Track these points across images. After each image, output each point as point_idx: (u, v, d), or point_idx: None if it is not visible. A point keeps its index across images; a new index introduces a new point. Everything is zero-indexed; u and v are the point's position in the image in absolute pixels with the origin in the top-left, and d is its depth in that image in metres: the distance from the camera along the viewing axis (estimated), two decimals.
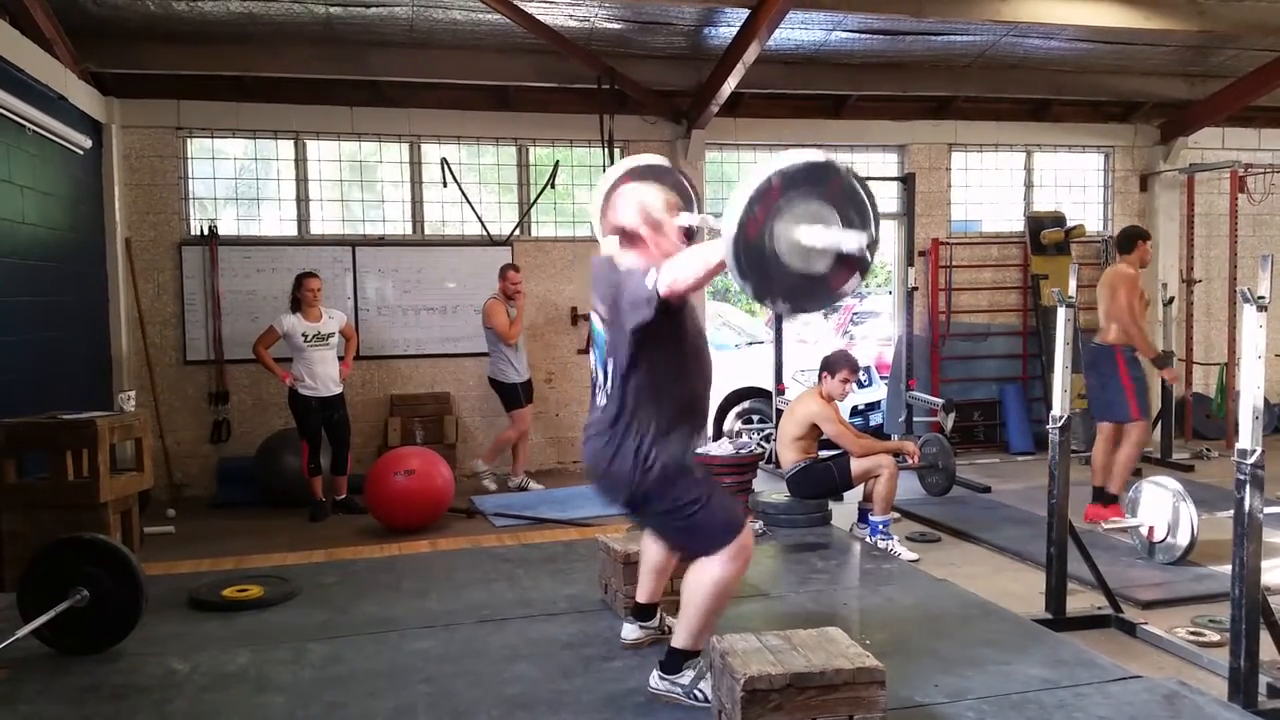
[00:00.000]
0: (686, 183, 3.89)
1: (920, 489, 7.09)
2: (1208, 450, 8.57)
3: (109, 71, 7.20)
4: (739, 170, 8.95)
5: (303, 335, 6.60)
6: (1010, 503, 6.73)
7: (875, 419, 9.25)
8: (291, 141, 7.87)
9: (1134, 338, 6.01)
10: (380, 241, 8.02)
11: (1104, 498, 6.08)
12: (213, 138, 7.79)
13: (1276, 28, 7.26)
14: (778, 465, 6.24)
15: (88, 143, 6.69)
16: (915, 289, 8.68)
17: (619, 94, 7.84)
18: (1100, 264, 9.31)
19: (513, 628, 4.05)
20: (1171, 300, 8.93)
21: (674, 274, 2.85)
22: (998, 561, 5.48)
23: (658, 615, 3.77)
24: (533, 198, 8.28)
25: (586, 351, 8.31)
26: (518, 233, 8.27)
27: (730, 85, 7.45)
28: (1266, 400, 3.74)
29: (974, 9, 6.88)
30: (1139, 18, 6.97)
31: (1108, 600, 4.37)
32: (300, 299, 6.67)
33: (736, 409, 8.58)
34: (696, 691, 3.19)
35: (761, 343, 9.35)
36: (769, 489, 6.39)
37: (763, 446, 7.80)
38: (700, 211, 3.87)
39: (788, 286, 2.61)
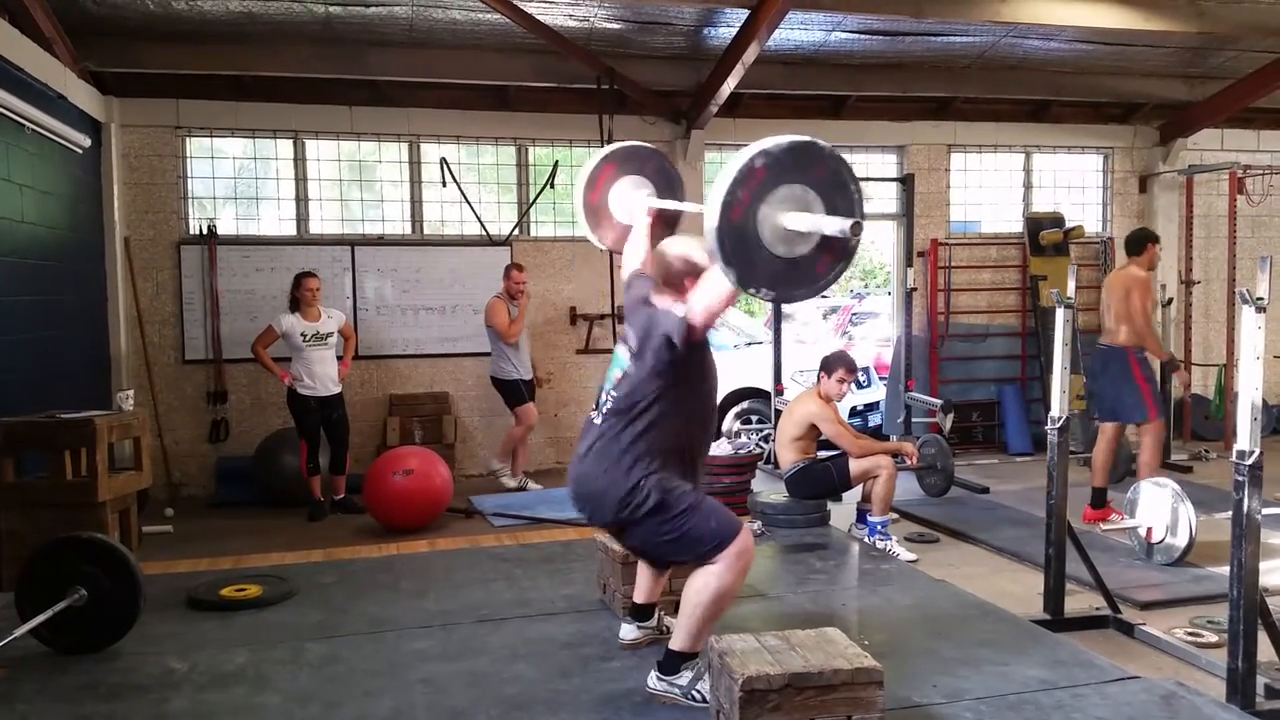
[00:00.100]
0: (669, 167, 3.91)
1: (919, 489, 7.10)
2: (1206, 452, 8.58)
3: (108, 70, 7.19)
4: None
5: (301, 335, 6.60)
6: (1008, 503, 6.73)
7: (874, 419, 9.25)
8: (291, 141, 7.87)
9: (1148, 341, 6.03)
10: (379, 241, 8.02)
11: (1100, 499, 6.09)
12: (212, 137, 7.79)
13: (1276, 29, 7.27)
14: (776, 466, 6.24)
15: (87, 142, 6.69)
16: (914, 290, 8.70)
17: (618, 94, 7.84)
18: (1099, 265, 9.34)
19: (511, 627, 4.05)
20: (1170, 301, 8.93)
21: (701, 300, 2.88)
22: (996, 562, 5.48)
23: (655, 615, 3.77)
24: (532, 198, 8.28)
25: (586, 351, 8.36)
26: (517, 232, 8.27)
27: (730, 85, 7.45)
28: (1265, 401, 3.74)
29: (973, 10, 6.88)
30: (1138, 19, 6.97)
31: (1106, 601, 4.37)
32: (299, 298, 6.66)
33: (735, 409, 8.57)
34: (694, 692, 3.19)
35: (760, 343, 9.35)
36: (767, 489, 6.40)
37: (761, 447, 7.80)
38: (683, 196, 3.89)
39: (772, 272, 2.60)
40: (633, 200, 3.81)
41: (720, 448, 6.73)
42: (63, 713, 3.29)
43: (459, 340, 8.08)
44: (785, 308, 8.59)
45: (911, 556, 5.44)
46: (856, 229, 2.45)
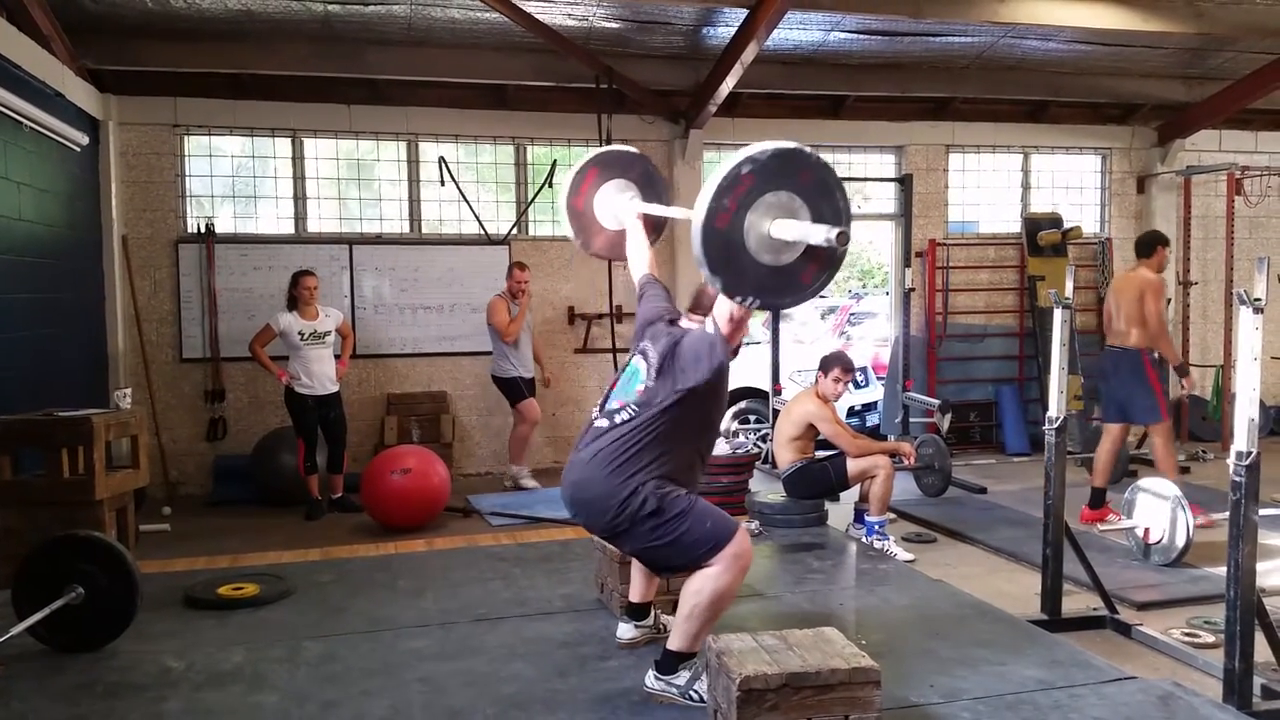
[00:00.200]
0: (654, 171, 3.92)
1: (916, 489, 7.10)
2: (1204, 452, 8.58)
3: (106, 68, 7.18)
4: None
5: (299, 333, 6.59)
6: (1006, 504, 6.74)
7: (872, 419, 9.26)
8: (289, 139, 7.86)
9: (1163, 345, 6.04)
10: (377, 240, 8.02)
11: (1099, 500, 6.10)
12: (210, 135, 7.78)
13: (1274, 30, 7.27)
14: (774, 465, 6.24)
15: (85, 139, 6.68)
16: (912, 290, 8.70)
17: (617, 93, 7.84)
18: (1097, 265, 9.34)
19: (508, 627, 4.05)
20: (1168, 302, 8.93)
21: (723, 311, 2.91)
22: (993, 562, 5.48)
23: (652, 614, 3.77)
24: (530, 197, 8.28)
25: (584, 351, 8.35)
26: (515, 232, 8.26)
27: (728, 85, 7.45)
28: (1262, 402, 3.75)
29: (972, 10, 6.88)
30: (1137, 20, 6.98)
31: (1103, 601, 4.38)
32: (297, 297, 6.65)
33: (733, 409, 8.58)
34: (692, 692, 3.19)
35: (758, 343, 9.35)
36: (765, 489, 6.40)
37: (759, 446, 7.80)
38: (669, 203, 3.91)
39: (759, 280, 2.60)
40: (619, 205, 3.81)
41: (718, 447, 6.72)
42: (59, 711, 3.29)
43: (457, 339, 8.08)
44: None
45: (909, 556, 5.44)
46: (842, 238, 2.45)
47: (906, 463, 6.31)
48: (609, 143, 7.85)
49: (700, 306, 3.34)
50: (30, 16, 5.90)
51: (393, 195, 8.15)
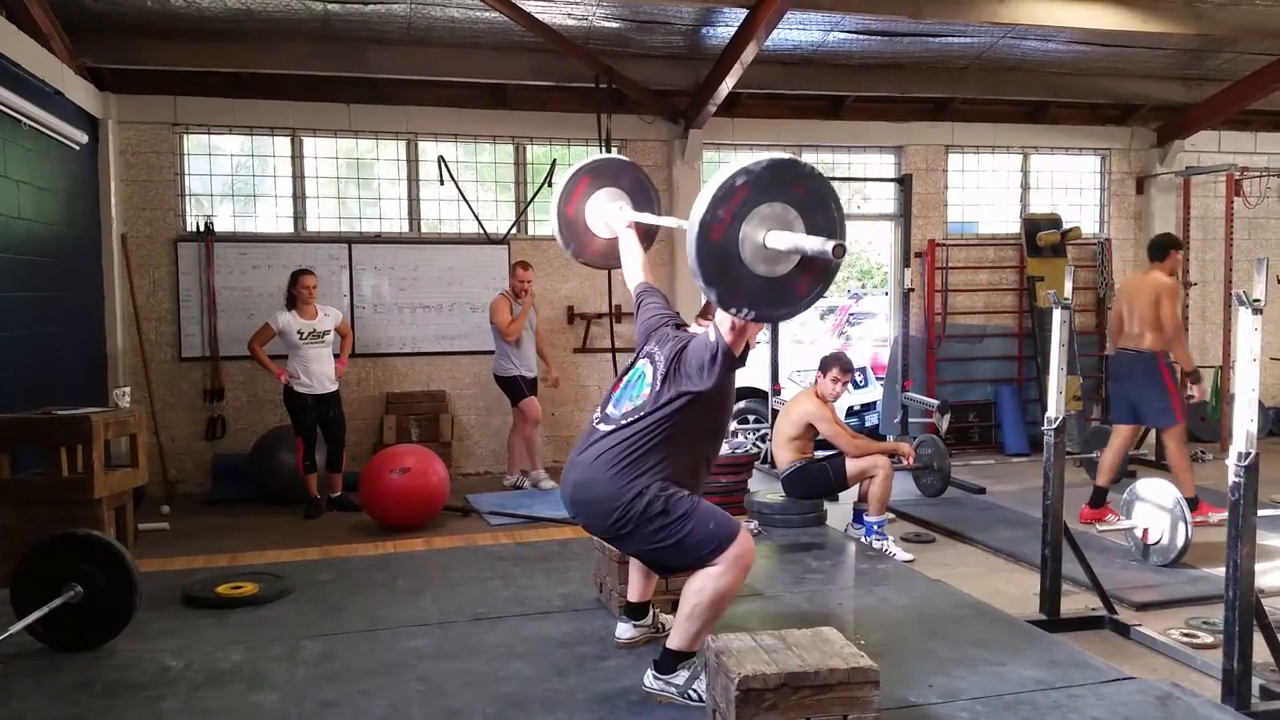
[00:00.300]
0: (645, 179, 3.93)
1: (915, 490, 7.10)
2: (1202, 453, 8.58)
3: (106, 67, 7.18)
4: None
5: (298, 332, 6.59)
6: (1005, 504, 6.74)
7: (871, 420, 9.26)
8: (288, 138, 7.86)
9: (1178, 349, 6.04)
10: (377, 239, 8.01)
11: (1100, 499, 6.11)
12: (209, 134, 7.77)
13: (1273, 31, 7.27)
14: (773, 465, 6.24)
15: (84, 138, 6.68)
16: (911, 290, 8.70)
17: (616, 93, 7.84)
18: (1096, 266, 9.35)
19: (507, 626, 4.05)
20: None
21: (727, 318, 2.88)
22: (992, 562, 5.49)
23: (650, 613, 3.77)
24: (530, 196, 8.28)
25: (583, 350, 8.35)
26: (515, 231, 8.26)
27: (728, 85, 7.45)
28: (1261, 403, 3.75)
29: (972, 11, 6.88)
30: (1136, 20, 6.98)
31: (1102, 602, 4.38)
32: (296, 296, 6.65)
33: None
34: (691, 691, 3.19)
35: (758, 343, 9.35)
36: (764, 489, 6.40)
37: (758, 446, 7.80)
38: (660, 211, 3.92)
39: (753, 292, 2.60)
40: (610, 213, 3.82)
41: None
42: (58, 710, 3.29)
43: (456, 339, 8.08)
44: None
45: (908, 556, 5.44)
46: (839, 250, 2.45)
47: (905, 463, 6.31)
48: (608, 142, 7.86)
49: (708, 312, 3.35)
50: (30, 15, 5.90)
51: (392, 194, 8.15)
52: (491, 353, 7.48)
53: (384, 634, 3.97)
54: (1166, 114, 9.30)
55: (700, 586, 3.13)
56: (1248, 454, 3.23)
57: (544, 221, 8.40)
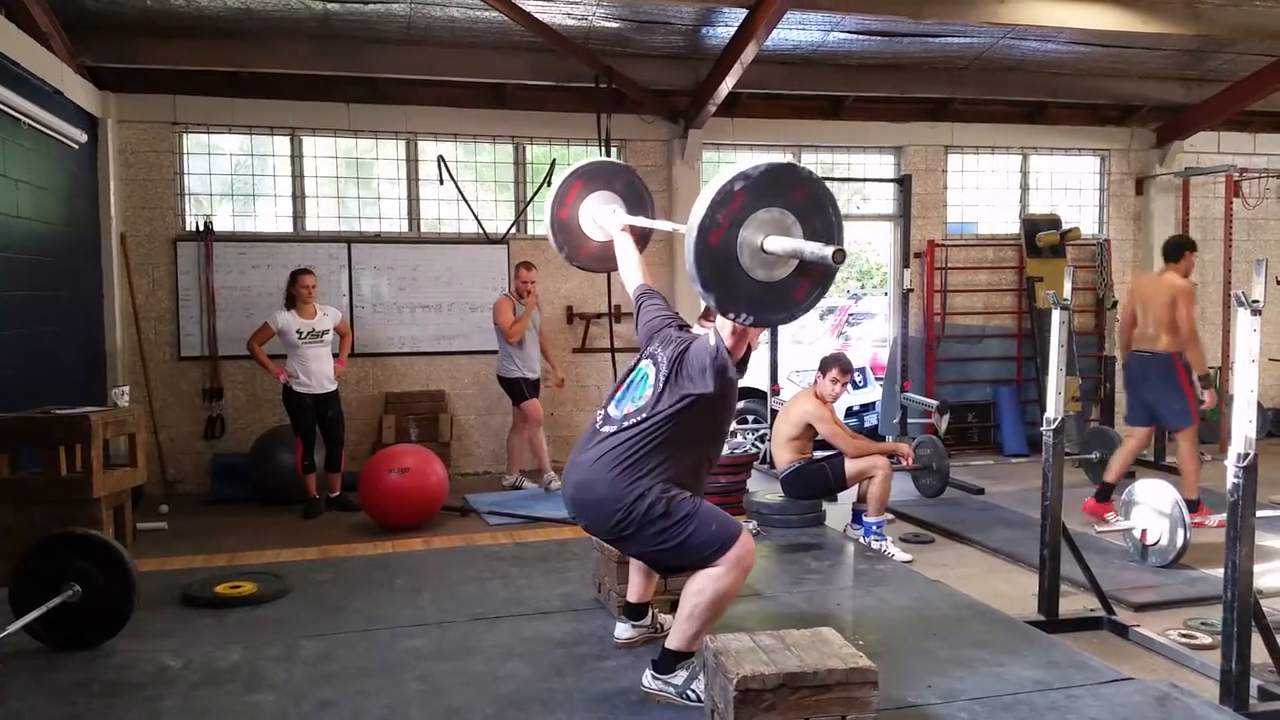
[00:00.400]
0: (638, 182, 3.94)
1: (914, 490, 7.10)
2: (1201, 454, 8.56)
3: (105, 66, 7.17)
4: None
5: (297, 332, 6.59)
6: (1004, 504, 6.74)
7: (870, 420, 9.26)
8: (288, 138, 7.86)
9: (1193, 352, 6.04)
10: (376, 239, 8.01)
11: (1106, 494, 6.12)
12: (209, 133, 7.77)
13: (1273, 32, 7.28)
14: (772, 465, 6.24)
15: (83, 137, 6.68)
16: (911, 290, 8.71)
17: (616, 93, 7.84)
18: (1095, 267, 9.35)
19: (506, 626, 4.05)
20: None
21: (727, 322, 2.87)
22: (991, 563, 5.49)
23: (650, 614, 3.77)
24: (529, 196, 8.27)
25: (582, 350, 8.35)
26: (514, 231, 8.26)
27: (728, 85, 7.45)
28: (1260, 404, 3.75)
29: (972, 11, 6.88)
30: (1136, 21, 6.98)
31: (1100, 602, 4.38)
32: (295, 295, 6.65)
33: None
34: (690, 691, 3.19)
35: (759, 344, 9.35)
36: (763, 489, 6.40)
37: (757, 446, 7.80)
38: (654, 214, 3.93)
39: (752, 296, 2.60)
40: (604, 217, 3.83)
41: None
42: (56, 710, 3.28)
43: (455, 338, 8.08)
44: None
45: (906, 557, 5.44)
46: (839, 256, 2.45)
47: (904, 463, 6.31)
48: (608, 142, 7.86)
49: (711, 314, 3.35)
50: (29, 14, 5.90)
51: (391, 194, 8.15)
52: (491, 353, 7.47)
53: (382, 634, 3.97)
54: (1166, 115, 9.30)
55: (700, 587, 3.13)
56: (1246, 455, 3.23)
57: (543, 221, 8.36)
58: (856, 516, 5.89)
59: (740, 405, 8.60)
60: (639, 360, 3.42)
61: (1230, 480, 3.26)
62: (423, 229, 8.17)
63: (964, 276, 9.15)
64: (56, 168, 6.48)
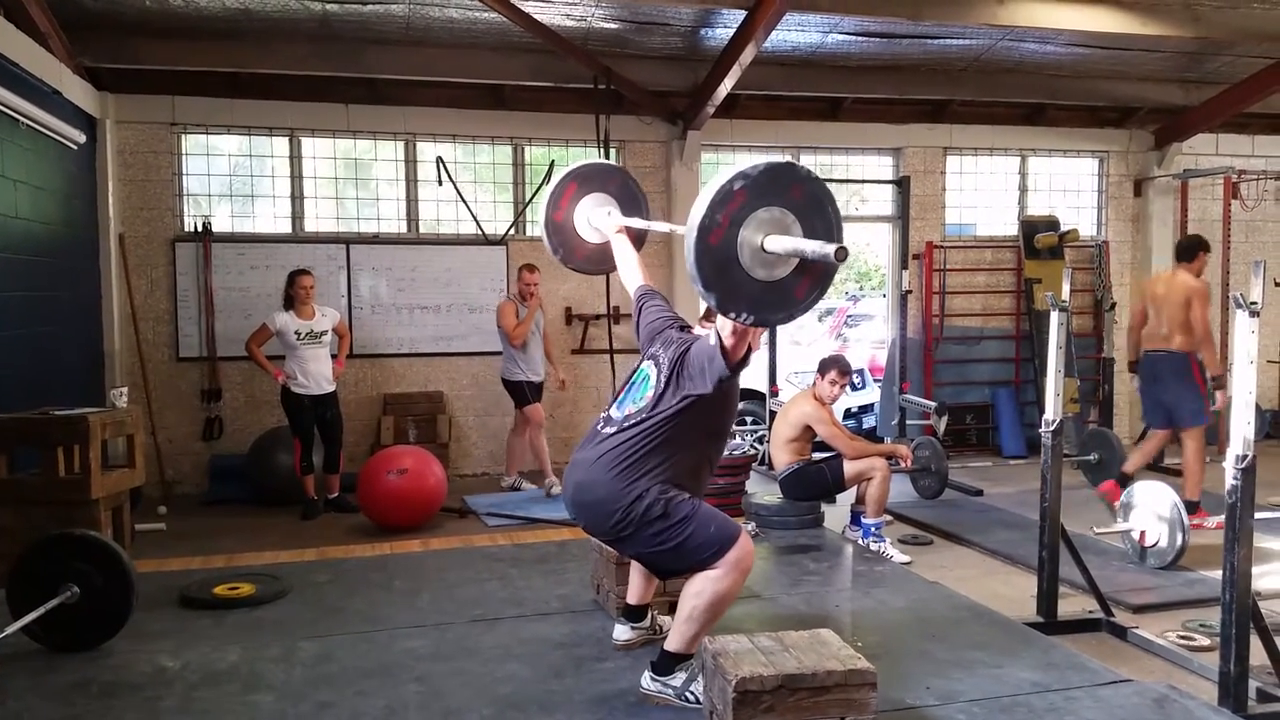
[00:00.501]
0: (632, 184, 3.95)
1: (913, 492, 7.10)
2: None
3: (104, 66, 7.17)
4: None
5: (296, 333, 6.58)
6: (1002, 506, 6.75)
7: (868, 421, 9.26)
8: (286, 138, 7.86)
9: (1208, 352, 6.05)
10: (375, 240, 8.01)
11: (1125, 483, 6.15)
12: (207, 134, 7.77)
13: (1271, 34, 7.29)
14: (771, 467, 6.24)
15: (82, 137, 6.67)
16: (909, 292, 8.71)
17: (615, 94, 7.84)
18: (1093, 268, 9.36)
19: (504, 627, 4.04)
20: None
21: (727, 322, 2.85)
22: (989, 564, 5.49)
23: (649, 616, 3.77)
24: (528, 197, 8.27)
25: (581, 351, 8.35)
26: (513, 232, 8.26)
27: (726, 86, 7.45)
28: (1259, 406, 3.76)
29: (970, 13, 6.89)
30: (1135, 23, 6.99)
31: (1099, 604, 4.38)
32: (293, 296, 6.64)
33: None
34: (688, 693, 3.19)
35: (760, 345, 9.35)
36: (762, 490, 6.39)
37: (756, 448, 7.81)
38: (649, 215, 3.93)
39: (752, 296, 2.60)
40: (599, 219, 3.84)
41: None
42: (54, 710, 3.28)
43: (454, 339, 8.08)
44: None
45: (905, 559, 5.44)
46: (841, 253, 2.45)
47: (903, 465, 6.31)
48: (607, 144, 7.86)
49: (712, 314, 3.35)
50: (28, 14, 5.90)
51: (390, 195, 8.15)
52: (490, 354, 7.47)
53: (381, 635, 3.96)
54: (1164, 116, 9.31)
55: (699, 589, 3.13)
56: (1245, 456, 3.23)
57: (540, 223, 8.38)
58: (855, 518, 5.89)
59: (739, 406, 8.60)
60: (641, 361, 3.42)
61: (1229, 482, 3.27)
62: (421, 230, 8.17)
63: (962, 278, 9.16)
64: (55, 168, 6.48)
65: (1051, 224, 9.03)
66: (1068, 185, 9.62)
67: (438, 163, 8.00)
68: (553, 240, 3.90)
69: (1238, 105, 8.72)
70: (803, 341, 11.81)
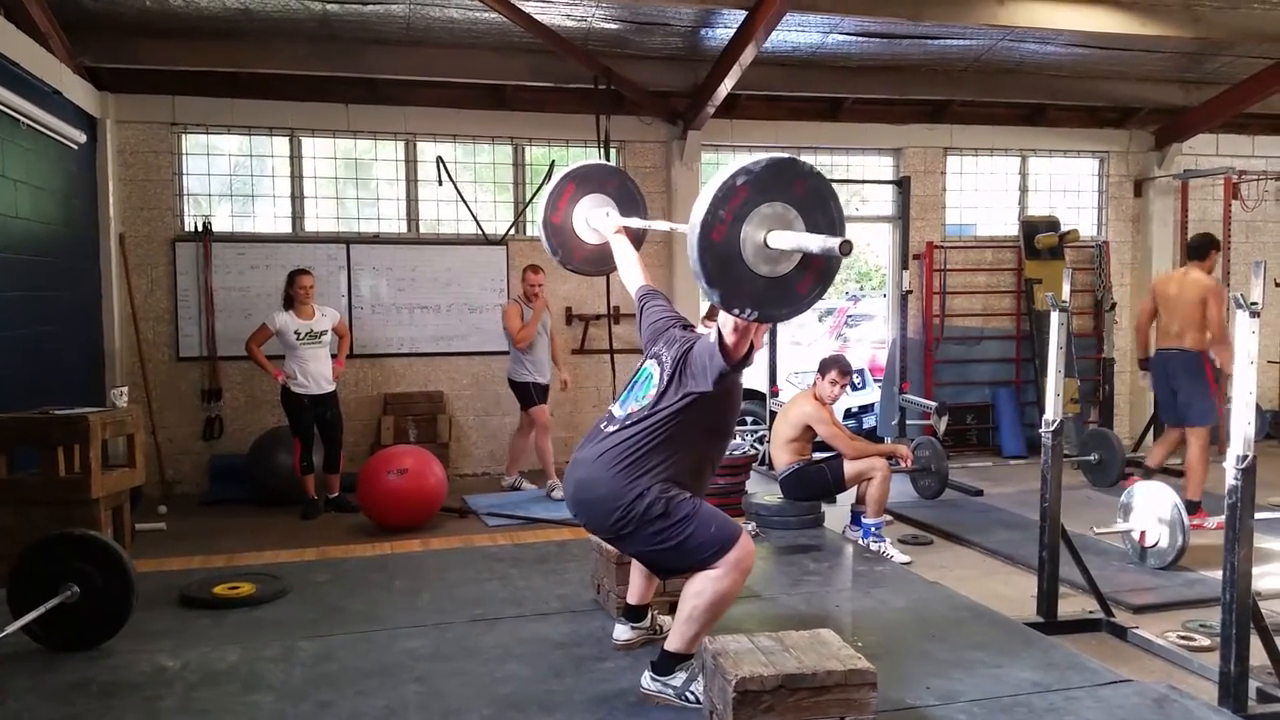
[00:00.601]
0: (630, 184, 3.95)
1: (913, 492, 7.10)
2: None
3: (104, 66, 7.17)
4: None
5: (295, 333, 6.58)
6: (1002, 506, 6.75)
7: (869, 422, 9.26)
8: (287, 138, 7.86)
9: (1223, 351, 6.04)
10: (375, 239, 8.01)
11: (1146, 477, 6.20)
12: (208, 134, 7.77)
13: (1271, 35, 7.28)
14: (771, 467, 6.24)
15: (82, 137, 6.67)
16: (909, 292, 8.71)
17: (615, 94, 7.84)
18: (1094, 268, 9.36)
19: (505, 627, 4.04)
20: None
21: (729, 319, 2.85)
22: (989, 565, 5.49)
23: (649, 616, 3.77)
24: (528, 197, 8.27)
25: (581, 351, 8.35)
26: (513, 232, 8.26)
27: (727, 87, 7.45)
28: (1259, 406, 3.76)
29: (970, 13, 6.88)
30: (1135, 24, 6.99)
31: (1099, 604, 4.38)
32: (293, 296, 6.64)
33: None
34: (688, 693, 3.19)
35: (763, 344, 9.35)
36: (762, 490, 6.40)
37: (756, 448, 7.81)
38: (647, 215, 3.93)
39: (756, 292, 2.60)
40: (597, 219, 3.84)
41: None
42: (54, 710, 3.28)
43: (454, 339, 8.08)
44: None
45: (905, 559, 5.44)
46: (846, 247, 2.45)
47: (903, 465, 6.31)
48: (607, 144, 7.86)
49: (715, 313, 3.35)
50: (28, 14, 5.90)
51: (390, 195, 8.15)
52: (490, 354, 7.47)
53: (381, 635, 3.96)
54: (1165, 117, 9.31)
55: (700, 589, 3.13)
56: (1245, 457, 3.23)
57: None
58: (855, 518, 5.89)
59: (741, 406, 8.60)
60: (644, 360, 3.43)
61: (1229, 482, 3.27)
62: (422, 230, 8.17)
63: (963, 278, 9.16)
64: (55, 168, 6.48)
65: (1052, 224, 9.03)
66: (1068, 185, 9.62)
67: (438, 163, 8.00)
68: (551, 242, 3.90)
69: (1238, 105, 8.72)
70: (803, 341, 11.83)
